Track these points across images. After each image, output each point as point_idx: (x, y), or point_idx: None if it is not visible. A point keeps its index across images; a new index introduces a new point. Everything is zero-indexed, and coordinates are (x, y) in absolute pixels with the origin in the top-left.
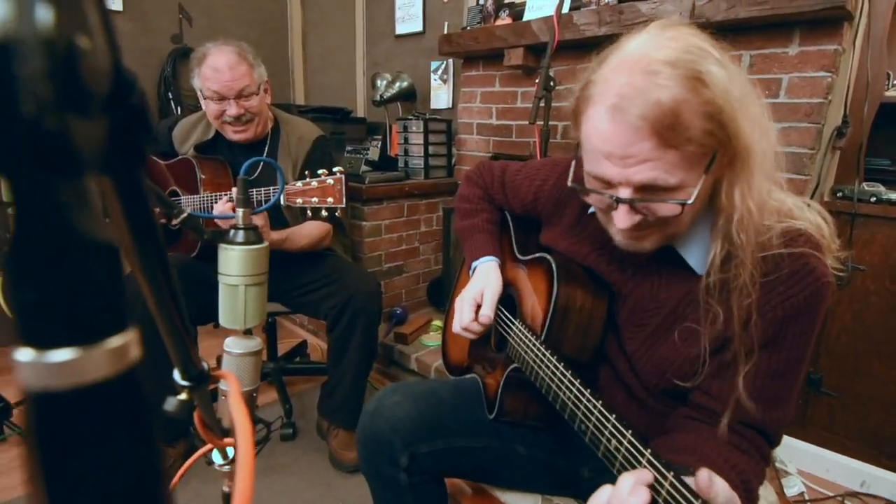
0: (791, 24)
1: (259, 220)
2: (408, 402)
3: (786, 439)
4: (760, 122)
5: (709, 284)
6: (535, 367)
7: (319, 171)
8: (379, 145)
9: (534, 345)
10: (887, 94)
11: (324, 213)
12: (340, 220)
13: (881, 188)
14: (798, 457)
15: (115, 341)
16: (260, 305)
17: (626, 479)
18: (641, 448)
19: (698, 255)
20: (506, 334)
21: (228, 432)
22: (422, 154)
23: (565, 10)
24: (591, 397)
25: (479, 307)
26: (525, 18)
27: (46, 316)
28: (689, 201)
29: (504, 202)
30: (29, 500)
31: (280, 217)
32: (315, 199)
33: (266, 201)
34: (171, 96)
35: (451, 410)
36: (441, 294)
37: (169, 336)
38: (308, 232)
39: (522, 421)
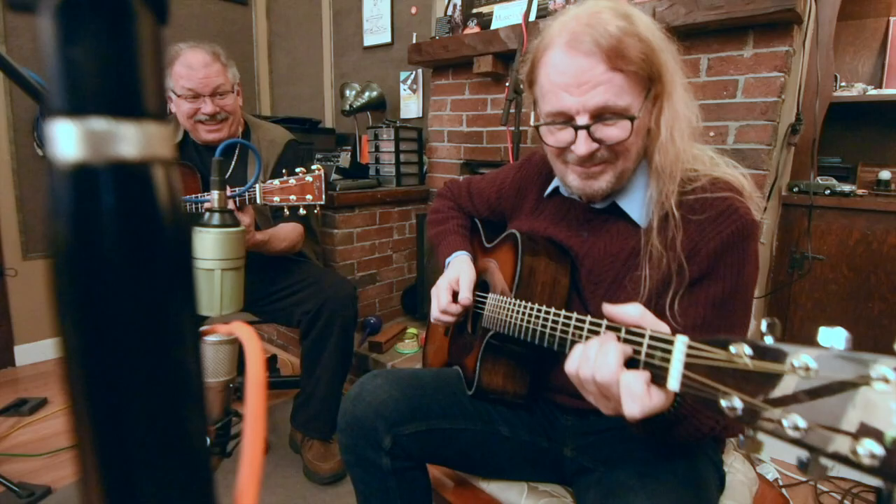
0: (745, 28)
1: (246, 219)
2: (390, 385)
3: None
4: (677, 63)
5: (650, 226)
6: (509, 319)
7: (297, 170)
8: (349, 155)
9: (506, 302)
10: (835, 94)
11: (301, 211)
12: (311, 225)
13: (834, 181)
14: (770, 443)
15: (149, 125)
16: (236, 291)
17: (592, 343)
18: (599, 322)
19: (639, 208)
20: (481, 311)
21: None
22: (393, 161)
23: (532, 17)
24: (555, 311)
25: (455, 295)
26: (493, 27)
27: (87, 76)
28: (636, 115)
29: (472, 209)
30: (49, 278)
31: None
32: (293, 197)
33: (240, 202)
34: None
35: (433, 393)
36: (415, 302)
37: None
38: (286, 234)
39: (502, 397)
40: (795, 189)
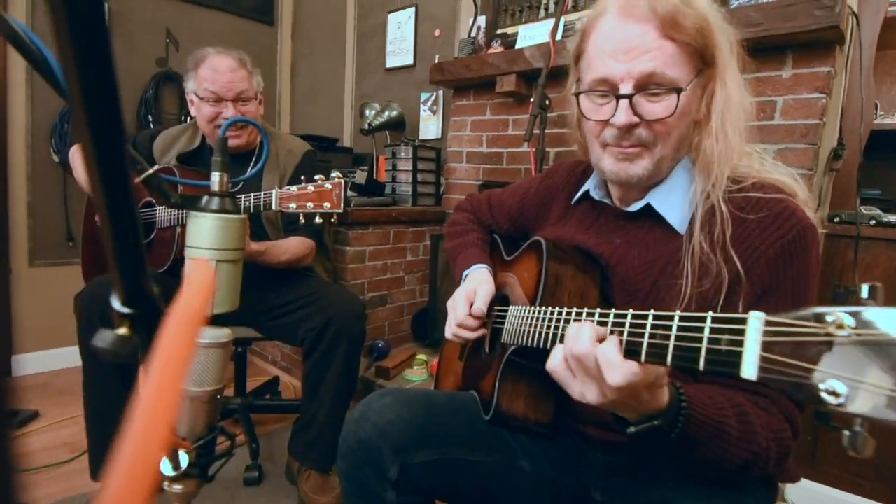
0: (783, 48)
1: None
2: (399, 405)
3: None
4: (734, 49)
5: (692, 227)
6: (532, 329)
7: (316, 177)
8: (366, 172)
9: (529, 311)
10: (876, 122)
11: (318, 219)
12: (324, 240)
13: (879, 211)
14: (810, 500)
15: None
16: (233, 288)
17: (575, 331)
18: (644, 314)
19: (678, 211)
20: (500, 327)
21: (184, 439)
22: (410, 181)
23: (559, 36)
24: (588, 309)
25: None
26: (517, 47)
27: None
28: (684, 88)
29: (492, 222)
30: None
31: (260, 231)
32: (310, 205)
33: (255, 208)
34: (150, 119)
35: (448, 416)
36: (426, 327)
37: (115, 245)
38: (289, 247)
39: (523, 423)
40: (837, 219)
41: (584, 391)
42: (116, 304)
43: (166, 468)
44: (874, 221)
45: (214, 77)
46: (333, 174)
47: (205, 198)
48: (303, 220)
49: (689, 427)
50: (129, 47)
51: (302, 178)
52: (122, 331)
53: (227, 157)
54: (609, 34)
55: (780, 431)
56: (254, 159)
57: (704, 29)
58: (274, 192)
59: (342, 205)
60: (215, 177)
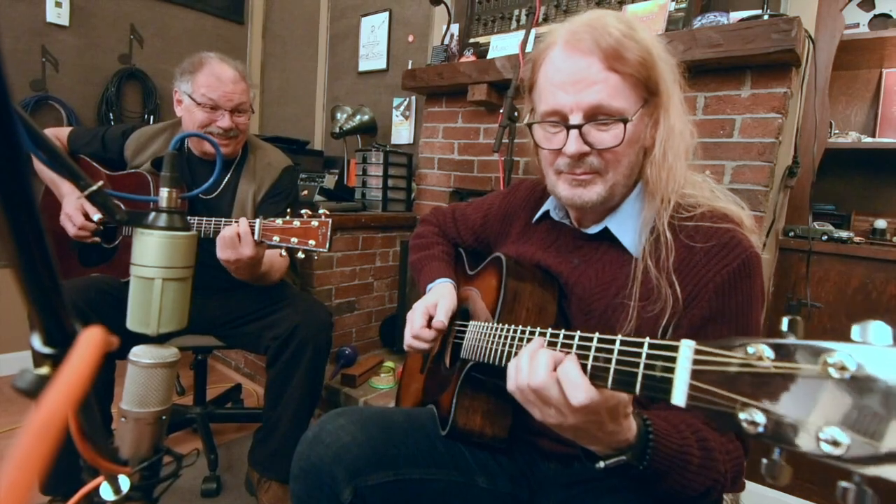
0: (743, 68)
1: (260, 251)
2: (354, 427)
3: (747, 484)
4: (676, 78)
5: (643, 252)
6: (489, 346)
7: (303, 211)
8: (336, 177)
9: (487, 328)
10: (830, 140)
11: (300, 255)
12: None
13: (831, 227)
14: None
15: None
16: (179, 307)
17: (522, 354)
18: (589, 336)
19: (632, 235)
20: (460, 342)
21: (127, 461)
22: (380, 186)
23: (529, 48)
24: (541, 329)
25: (431, 320)
26: (489, 57)
27: None
28: (630, 119)
29: (456, 235)
30: None
31: None
32: (295, 240)
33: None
34: (112, 117)
35: (403, 436)
36: (395, 334)
37: (27, 281)
38: (280, 266)
39: (480, 439)
40: (791, 234)
41: (544, 416)
42: (37, 343)
43: (106, 493)
44: (826, 237)
45: (217, 85)
46: (321, 210)
47: (152, 214)
48: (283, 253)
49: (656, 460)
50: (90, 42)
51: (288, 210)
52: (44, 371)
53: (178, 173)
54: (557, 67)
55: (734, 451)
56: (233, 168)
57: (647, 60)
58: (257, 221)
59: (328, 245)
60: (164, 192)
